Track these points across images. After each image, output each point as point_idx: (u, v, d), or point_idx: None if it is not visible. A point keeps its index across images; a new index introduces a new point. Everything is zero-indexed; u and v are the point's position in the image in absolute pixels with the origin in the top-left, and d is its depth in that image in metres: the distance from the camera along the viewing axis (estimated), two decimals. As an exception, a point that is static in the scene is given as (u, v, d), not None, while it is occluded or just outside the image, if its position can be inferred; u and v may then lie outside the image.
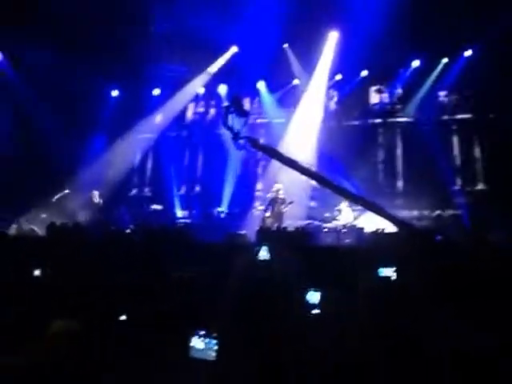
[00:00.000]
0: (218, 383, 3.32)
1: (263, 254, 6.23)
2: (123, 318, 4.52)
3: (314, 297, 4.47)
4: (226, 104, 8.21)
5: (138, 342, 4.04)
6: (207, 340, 3.62)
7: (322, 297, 4.43)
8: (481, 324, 3.72)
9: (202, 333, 3.66)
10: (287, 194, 14.25)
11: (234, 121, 7.22)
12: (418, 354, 3.47)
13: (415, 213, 14.76)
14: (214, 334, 3.64)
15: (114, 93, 18.50)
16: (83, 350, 3.57)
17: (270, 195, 14.41)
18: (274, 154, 9.41)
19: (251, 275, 5.26)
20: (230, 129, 7.69)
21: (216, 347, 3.58)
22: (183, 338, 3.70)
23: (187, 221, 16.54)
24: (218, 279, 4.75)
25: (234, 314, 3.69)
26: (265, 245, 6.34)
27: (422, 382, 3.39)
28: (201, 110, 19.11)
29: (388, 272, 5.01)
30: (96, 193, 15.30)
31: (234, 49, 17.42)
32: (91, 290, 4.96)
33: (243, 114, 7.89)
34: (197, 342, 3.62)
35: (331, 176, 13.60)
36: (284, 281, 4.34)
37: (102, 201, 15.29)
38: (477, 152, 16.04)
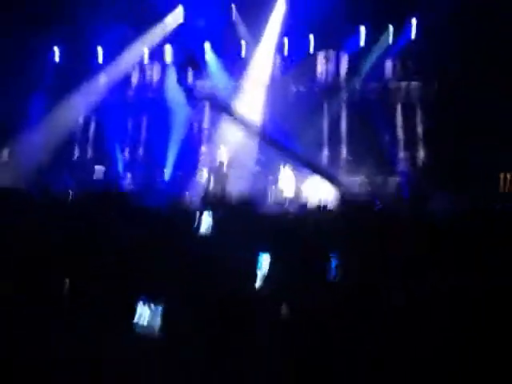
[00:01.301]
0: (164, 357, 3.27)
1: (206, 219, 6.20)
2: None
3: (263, 259, 4.43)
4: (176, 62, 8.06)
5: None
6: (153, 306, 3.55)
7: (271, 259, 4.39)
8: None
9: (147, 298, 3.59)
10: (232, 158, 14.24)
11: (188, 78, 7.08)
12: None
13: (357, 179, 14.94)
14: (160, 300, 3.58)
15: (56, 53, 17.92)
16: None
17: (214, 159, 14.37)
18: (226, 110, 9.40)
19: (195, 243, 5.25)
20: (185, 86, 7.59)
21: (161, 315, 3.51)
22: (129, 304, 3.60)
23: (130, 184, 16.32)
24: (161, 245, 4.71)
25: (180, 279, 3.67)
26: (208, 210, 6.31)
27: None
28: (146, 71, 18.71)
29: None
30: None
31: (179, 9, 17.08)
32: (29, 253, 4.80)
33: (199, 71, 7.80)
34: (143, 309, 3.54)
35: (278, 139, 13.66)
36: (229, 245, 4.35)
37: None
38: (420, 121, 16.26)
